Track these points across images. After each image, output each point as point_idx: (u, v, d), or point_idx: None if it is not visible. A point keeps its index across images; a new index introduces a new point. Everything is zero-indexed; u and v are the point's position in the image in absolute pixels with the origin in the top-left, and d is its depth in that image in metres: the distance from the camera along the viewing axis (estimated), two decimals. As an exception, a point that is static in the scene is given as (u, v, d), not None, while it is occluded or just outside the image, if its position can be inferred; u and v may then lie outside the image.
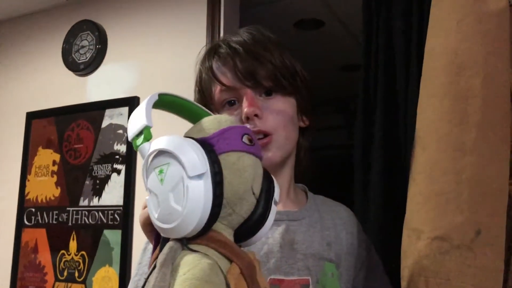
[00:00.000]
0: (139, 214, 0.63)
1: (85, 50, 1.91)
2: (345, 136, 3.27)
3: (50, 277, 1.82)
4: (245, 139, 0.54)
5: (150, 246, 0.80)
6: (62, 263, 1.80)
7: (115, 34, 1.90)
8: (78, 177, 1.84)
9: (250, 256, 0.52)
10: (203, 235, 0.50)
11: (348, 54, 2.52)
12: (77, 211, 1.81)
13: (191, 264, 0.47)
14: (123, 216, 1.70)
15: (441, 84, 0.62)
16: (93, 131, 1.84)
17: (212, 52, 0.81)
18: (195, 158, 0.49)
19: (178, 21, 1.76)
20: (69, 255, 1.79)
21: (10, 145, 2.06)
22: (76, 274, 1.76)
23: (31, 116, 2.02)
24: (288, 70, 0.78)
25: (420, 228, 0.59)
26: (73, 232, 1.81)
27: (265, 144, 0.74)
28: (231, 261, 0.50)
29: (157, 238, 0.56)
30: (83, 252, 1.76)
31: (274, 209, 0.55)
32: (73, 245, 1.80)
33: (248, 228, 0.54)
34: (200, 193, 0.48)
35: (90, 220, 1.77)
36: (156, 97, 0.57)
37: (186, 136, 0.55)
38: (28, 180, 1.97)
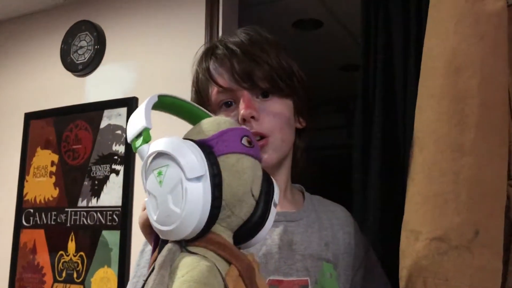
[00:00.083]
0: (138, 216, 0.63)
1: (84, 50, 1.91)
2: (345, 136, 3.27)
3: (48, 278, 1.82)
4: (244, 141, 0.54)
5: (148, 248, 0.80)
6: (60, 264, 1.80)
7: (114, 35, 1.90)
8: (76, 177, 1.84)
9: (249, 258, 0.52)
10: (202, 237, 0.50)
11: (347, 54, 2.52)
12: (75, 212, 1.81)
13: (190, 266, 0.47)
14: (122, 216, 1.70)
15: (439, 84, 0.62)
16: (92, 131, 1.84)
17: (209, 53, 0.80)
18: (194, 160, 0.49)
19: (176, 21, 1.76)
20: (67, 256, 1.79)
21: (9, 146, 2.06)
22: (75, 275, 1.76)
23: (30, 117, 2.01)
24: (285, 71, 0.78)
25: (419, 229, 0.59)
26: (72, 233, 1.80)
27: (261, 146, 0.74)
28: (230, 263, 0.50)
29: (156, 240, 0.56)
30: (82, 253, 1.76)
31: (273, 211, 0.55)
32: (71, 246, 1.79)
33: (248, 230, 0.54)
34: (199, 195, 0.48)
35: (88, 221, 1.77)
36: (156, 99, 0.57)
37: (185, 138, 0.55)
38: (27, 181, 1.97)
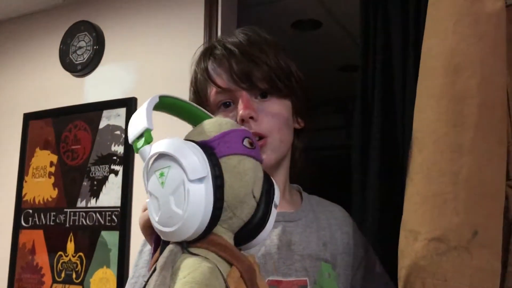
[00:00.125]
0: (139, 217, 0.63)
1: (83, 51, 1.91)
2: (344, 136, 3.27)
3: (47, 279, 1.82)
4: (246, 142, 0.54)
5: (147, 249, 0.80)
6: (59, 265, 1.80)
7: (113, 35, 1.90)
8: (75, 178, 1.84)
9: (250, 259, 0.52)
10: (203, 239, 0.50)
11: (346, 54, 2.52)
12: (74, 212, 1.81)
13: (191, 268, 0.47)
14: (121, 217, 1.70)
15: (438, 84, 0.62)
16: (91, 132, 1.84)
17: (207, 53, 0.80)
18: (196, 162, 0.49)
19: (175, 21, 1.76)
20: (66, 256, 1.79)
21: (7, 146, 2.06)
22: (74, 276, 1.76)
23: (29, 117, 2.01)
24: (284, 72, 0.78)
25: (417, 229, 0.59)
26: (71, 234, 1.80)
27: (260, 147, 0.74)
28: (231, 264, 0.50)
29: (156, 241, 0.56)
30: (81, 254, 1.76)
31: (274, 212, 0.55)
32: (70, 246, 1.79)
33: (248, 232, 0.54)
34: (201, 196, 0.48)
35: (87, 221, 1.77)
36: (157, 99, 0.57)
37: (186, 139, 0.55)
38: (25, 181, 1.97)
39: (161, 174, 0.50)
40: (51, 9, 2.06)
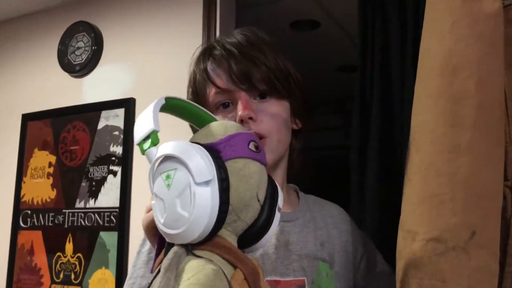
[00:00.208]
0: (142, 218, 0.63)
1: (81, 51, 1.91)
2: (343, 137, 3.27)
3: (46, 280, 1.82)
4: (251, 146, 0.54)
5: (145, 249, 0.80)
6: (58, 265, 1.80)
7: (111, 35, 1.90)
8: (74, 178, 1.84)
9: (254, 262, 0.53)
10: (208, 241, 0.51)
11: (345, 55, 2.53)
12: (73, 213, 1.81)
13: (196, 270, 0.47)
14: (119, 218, 1.70)
15: (436, 85, 0.62)
16: (89, 132, 1.84)
17: (206, 53, 0.80)
18: (203, 165, 0.49)
19: (174, 22, 1.76)
20: (65, 257, 1.79)
21: (6, 147, 2.05)
22: (72, 276, 1.76)
23: (27, 118, 2.01)
24: (282, 73, 0.78)
25: (415, 230, 0.59)
26: (69, 234, 1.80)
27: None
28: (235, 267, 0.50)
29: (160, 242, 0.56)
30: (79, 254, 1.76)
31: (278, 215, 0.56)
32: (69, 247, 1.79)
33: (252, 235, 0.54)
34: (207, 199, 0.49)
35: (86, 222, 1.77)
36: (163, 101, 0.57)
37: (192, 141, 0.55)
38: (24, 182, 1.96)
39: (167, 176, 0.51)
40: (49, 9, 2.06)
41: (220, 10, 1.67)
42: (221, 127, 0.57)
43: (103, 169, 1.77)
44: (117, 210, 1.71)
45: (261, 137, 0.74)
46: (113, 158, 1.76)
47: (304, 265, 0.78)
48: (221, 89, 0.76)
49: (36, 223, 1.89)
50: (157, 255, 0.56)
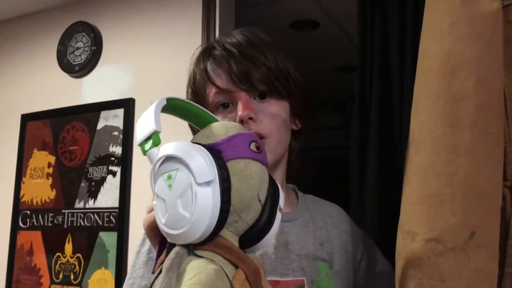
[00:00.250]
0: (143, 219, 0.63)
1: (80, 51, 1.91)
2: (343, 137, 3.27)
3: (45, 280, 1.81)
4: (252, 146, 0.55)
5: (144, 249, 0.80)
6: (57, 266, 1.80)
7: (110, 36, 1.90)
8: (73, 179, 1.84)
9: (255, 262, 0.53)
10: (209, 241, 0.51)
11: (344, 55, 2.53)
12: (72, 213, 1.81)
13: (197, 269, 0.48)
14: (119, 218, 1.70)
15: (435, 85, 0.62)
16: (88, 133, 1.84)
17: (206, 53, 0.80)
18: (204, 165, 0.49)
19: (173, 22, 1.76)
20: (64, 257, 1.79)
21: (5, 147, 2.05)
22: (72, 277, 1.75)
23: (26, 118, 2.01)
24: (282, 73, 0.78)
25: (415, 230, 0.59)
26: (69, 235, 1.80)
27: None
28: (236, 266, 0.50)
29: (161, 243, 0.57)
30: (79, 255, 1.76)
31: (279, 216, 0.56)
32: (68, 247, 1.79)
33: (253, 235, 0.54)
34: (208, 200, 0.49)
35: (85, 222, 1.77)
36: (164, 102, 0.57)
37: (193, 142, 0.55)
38: (23, 182, 1.96)
39: (169, 177, 0.51)
40: (48, 9, 2.06)
41: (220, 10, 1.67)
42: (222, 127, 0.57)
43: (103, 169, 1.77)
44: (117, 210, 1.71)
45: (261, 137, 0.74)
46: (113, 159, 1.76)
47: (303, 265, 0.78)
48: (221, 89, 0.76)
49: (35, 224, 1.89)
50: (158, 255, 0.57)
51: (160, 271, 0.49)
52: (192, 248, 0.50)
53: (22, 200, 1.95)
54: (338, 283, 0.81)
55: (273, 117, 0.77)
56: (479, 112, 0.58)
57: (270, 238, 0.55)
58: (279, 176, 0.83)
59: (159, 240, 0.57)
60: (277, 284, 0.75)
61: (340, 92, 2.82)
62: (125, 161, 1.73)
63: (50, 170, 1.90)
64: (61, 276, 1.78)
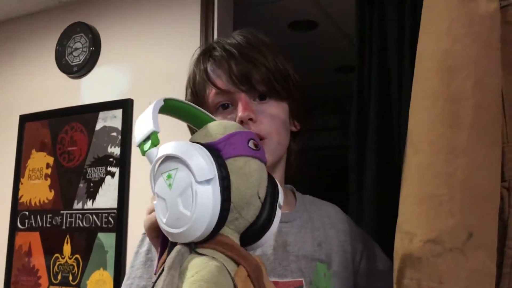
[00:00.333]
0: (144, 219, 0.63)
1: (79, 52, 1.91)
2: (342, 137, 3.28)
3: (44, 281, 1.81)
4: (251, 144, 0.55)
5: (143, 250, 0.80)
6: (56, 267, 1.79)
7: (109, 36, 1.90)
8: (72, 180, 1.83)
9: (256, 259, 0.53)
10: (210, 239, 0.51)
11: (343, 55, 2.53)
12: (71, 214, 1.80)
13: (199, 267, 0.48)
14: (117, 219, 1.70)
15: (433, 86, 0.62)
16: (87, 133, 1.84)
17: (206, 54, 0.81)
18: (203, 163, 0.49)
19: (171, 23, 1.76)
20: (63, 258, 1.78)
21: (3, 148, 2.05)
22: (70, 278, 1.75)
23: (25, 119, 2.00)
24: (282, 75, 0.78)
25: (413, 231, 0.59)
26: (67, 236, 1.80)
27: None
28: (238, 264, 0.51)
29: (163, 243, 0.57)
30: (77, 256, 1.75)
31: (279, 213, 0.56)
32: (67, 248, 1.79)
33: (254, 232, 0.55)
34: (208, 198, 0.49)
35: (84, 223, 1.77)
36: (162, 102, 0.58)
37: (192, 141, 0.55)
38: (22, 183, 1.96)
39: (169, 176, 0.51)
40: (46, 10, 2.06)
41: (218, 10, 1.67)
42: (220, 126, 0.57)
43: (101, 170, 1.77)
44: (115, 211, 1.71)
45: (260, 138, 0.74)
46: (111, 159, 1.76)
47: (301, 266, 0.78)
48: (221, 90, 0.76)
49: (34, 224, 1.88)
50: (160, 255, 0.57)
51: (162, 270, 0.49)
52: (193, 247, 0.51)
53: (21, 201, 1.94)
54: (337, 283, 0.81)
55: (272, 118, 0.77)
56: (477, 113, 0.58)
57: (271, 235, 0.56)
58: (278, 177, 0.82)
59: (161, 241, 0.57)
60: (276, 285, 0.75)
61: (339, 93, 2.82)
62: (123, 162, 1.73)
63: (49, 171, 1.90)
64: (59, 277, 1.78)
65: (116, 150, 1.76)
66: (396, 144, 1.30)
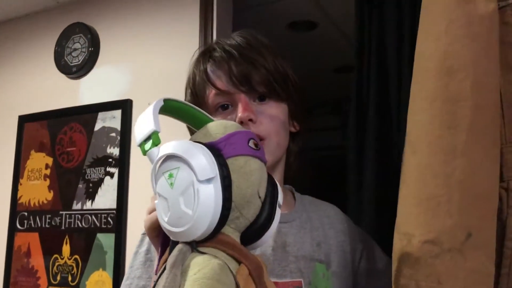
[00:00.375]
0: (144, 219, 0.63)
1: (78, 52, 1.90)
2: (341, 137, 3.28)
3: (43, 282, 1.81)
4: (251, 143, 0.55)
5: (142, 250, 0.80)
6: (55, 267, 1.79)
7: (108, 37, 1.89)
8: (71, 180, 1.83)
9: (257, 258, 0.53)
10: (212, 238, 0.51)
11: (342, 56, 2.53)
12: (70, 215, 1.80)
13: (201, 265, 0.48)
14: (116, 219, 1.69)
15: (431, 86, 0.62)
16: (86, 134, 1.84)
17: (206, 55, 0.81)
18: (205, 162, 0.50)
19: (170, 23, 1.76)
20: (62, 259, 1.78)
21: (2, 149, 2.05)
22: (69, 278, 1.75)
23: (24, 119, 2.00)
24: (281, 75, 0.79)
25: (411, 232, 0.59)
26: (66, 236, 1.80)
27: None
28: (239, 262, 0.51)
29: (163, 243, 0.57)
30: (76, 256, 1.75)
31: (278, 212, 0.56)
32: (66, 249, 1.78)
33: (254, 231, 0.55)
34: (210, 197, 0.49)
35: (83, 224, 1.77)
36: (162, 102, 0.58)
37: (192, 141, 0.55)
38: (21, 184, 1.96)
39: (170, 175, 0.51)
40: (45, 11, 2.06)
41: (217, 11, 1.67)
42: (220, 126, 0.57)
43: (100, 171, 1.77)
44: (114, 211, 1.71)
45: (260, 139, 0.75)
46: (110, 160, 1.76)
47: (300, 267, 0.78)
48: (221, 91, 0.77)
49: (33, 225, 1.88)
50: (161, 255, 0.57)
51: (164, 269, 0.49)
52: (195, 245, 0.51)
53: (20, 201, 1.94)
54: (336, 283, 0.81)
55: (272, 119, 0.77)
56: (476, 113, 0.58)
57: (271, 235, 0.56)
58: (277, 178, 0.82)
59: (161, 240, 0.57)
60: (275, 285, 0.75)
61: (338, 93, 2.82)
62: (122, 163, 1.73)
63: (48, 172, 1.90)
64: (58, 277, 1.78)
65: (115, 151, 1.76)
66: (395, 144, 1.30)
